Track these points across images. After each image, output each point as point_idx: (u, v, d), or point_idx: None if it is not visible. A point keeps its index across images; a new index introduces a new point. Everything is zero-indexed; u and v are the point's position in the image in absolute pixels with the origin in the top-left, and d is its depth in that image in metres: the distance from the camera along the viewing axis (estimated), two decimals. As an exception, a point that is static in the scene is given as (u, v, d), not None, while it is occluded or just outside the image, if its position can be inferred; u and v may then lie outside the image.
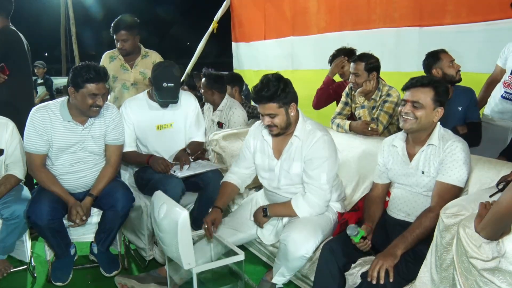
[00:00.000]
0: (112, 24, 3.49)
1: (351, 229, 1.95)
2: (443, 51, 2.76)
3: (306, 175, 2.24)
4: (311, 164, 2.21)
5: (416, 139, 2.06)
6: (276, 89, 2.16)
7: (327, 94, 3.62)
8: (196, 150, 3.11)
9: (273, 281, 2.34)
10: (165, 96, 2.83)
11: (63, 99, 2.59)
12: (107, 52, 3.64)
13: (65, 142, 2.54)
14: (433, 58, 2.77)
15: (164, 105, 2.90)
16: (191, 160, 2.93)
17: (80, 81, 2.42)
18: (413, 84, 2.02)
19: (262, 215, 2.35)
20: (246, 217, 2.50)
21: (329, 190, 2.24)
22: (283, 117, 2.22)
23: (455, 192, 1.92)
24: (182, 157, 2.85)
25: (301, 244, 2.10)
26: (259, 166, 2.45)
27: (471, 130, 2.73)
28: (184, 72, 6.67)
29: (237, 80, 4.22)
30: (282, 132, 2.28)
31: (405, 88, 2.06)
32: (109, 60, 3.57)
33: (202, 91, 3.79)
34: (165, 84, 2.78)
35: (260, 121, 2.40)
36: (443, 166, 1.94)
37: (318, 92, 3.66)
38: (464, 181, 1.93)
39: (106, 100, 2.59)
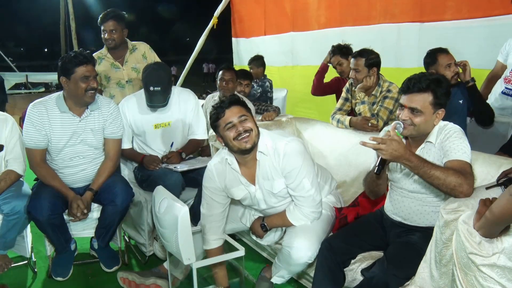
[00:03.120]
0: (100, 16, 3.40)
1: (398, 125, 1.87)
2: (442, 52, 2.73)
3: (290, 188, 2.16)
4: (290, 177, 2.12)
5: (414, 138, 1.98)
6: (238, 98, 2.13)
7: (322, 80, 3.80)
8: (194, 149, 3.11)
9: (272, 280, 2.34)
10: (152, 100, 2.82)
11: (58, 93, 2.61)
12: (94, 54, 3.49)
13: (63, 134, 2.55)
14: (431, 58, 2.75)
15: (153, 108, 2.89)
16: (186, 158, 2.95)
17: (70, 67, 2.44)
18: (410, 89, 1.89)
19: (262, 230, 2.31)
20: (238, 214, 2.49)
21: (316, 192, 2.16)
22: (252, 122, 2.10)
23: (468, 167, 1.76)
24: (172, 159, 2.89)
25: (305, 251, 2.08)
26: (242, 200, 2.30)
27: (478, 113, 2.76)
28: (182, 71, 6.67)
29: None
30: (254, 145, 2.09)
31: (402, 91, 1.95)
32: (97, 62, 3.42)
33: (225, 83, 3.53)
34: (151, 88, 2.77)
35: (212, 161, 2.27)
36: (444, 151, 1.84)
37: (314, 78, 3.84)
38: (469, 155, 1.80)
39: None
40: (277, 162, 2.12)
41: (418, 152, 1.95)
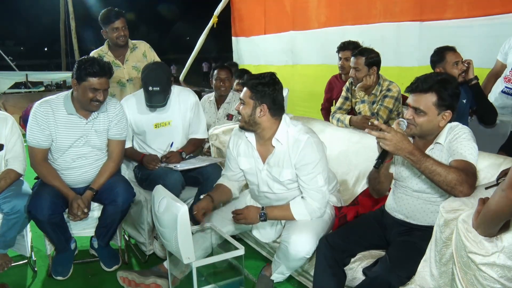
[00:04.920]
0: (105, 16, 3.37)
1: (402, 122, 1.89)
2: (450, 50, 2.73)
3: (302, 181, 2.20)
4: (305, 169, 2.17)
5: (423, 139, 1.98)
6: (259, 81, 2.17)
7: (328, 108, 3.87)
8: (195, 149, 3.11)
9: (272, 278, 2.35)
10: (151, 100, 2.81)
11: (66, 93, 2.60)
12: (94, 51, 3.53)
13: (69, 136, 2.54)
14: (438, 56, 2.75)
15: (152, 108, 2.89)
16: (187, 157, 2.95)
17: (83, 74, 2.42)
18: (413, 89, 1.90)
19: (259, 220, 2.28)
20: None
21: (327, 192, 2.21)
22: (248, 109, 2.18)
23: (471, 167, 1.75)
24: (171, 159, 2.88)
25: (303, 245, 2.09)
26: (245, 171, 2.41)
27: (481, 112, 2.77)
28: (182, 70, 6.68)
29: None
30: (246, 128, 2.25)
31: (408, 91, 1.96)
32: None
33: (222, 82, 3.57)
34: (150, 88, 2.76)
35: (236, 127, 2.42)
36: (452, 151, 1.83)
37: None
38: (476, 157, 1.81)
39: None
40: (294, 152, 2.18)
41: (427, 153, 1.93)
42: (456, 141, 1.84)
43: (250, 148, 2.34)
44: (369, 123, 2.79)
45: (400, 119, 1.92)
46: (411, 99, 1.92)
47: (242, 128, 2.27)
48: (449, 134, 1.89)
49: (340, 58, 3.54)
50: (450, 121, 1.92)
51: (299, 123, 2.31)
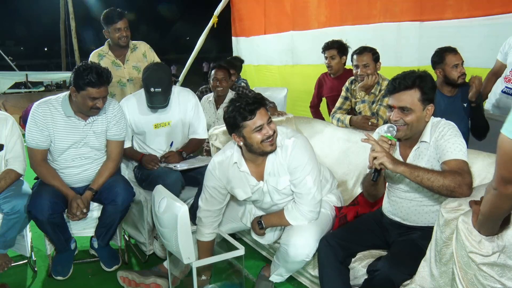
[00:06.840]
0: (107, 16, 3.36)
1: (391, 129, 1.88)
2: (450, 51, 2.72)
3: (293, 185, 2.16)
4: (295, 173, 2.12)
5: (408, 139, 1.96)
6: (263, 97, 2.15)
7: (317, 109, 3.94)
8: (195, 149, 3.11)
9: (271, 279, 2.34)
10: (153, 101, 2.81)
11: (64, 95, 2.59)
12: (95, 51, 3.53)
13: (68, 138, 2.54)
14: (438, 57, 2.74)
15: (154, 109, 2.89)
16: (187, 157, 2.94)
17: (82, 84, 2.40)
18: (396, 88, 1.88)
19: (258, 228, 2.29)
20: (238, 214, 2.48)
21: (318, 192, 2.15)
22: (275, 127, 2.10)
23: (465, 165, 1.76)
24: (170, 159, 2.88)
25: (302, 249, 2.08)
26: (247, 200, 2.31)
27: (475, 128, 2.74)
28: (182, 70, 6.67)
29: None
30: (274, 149, 2.11)
31: (389, 92, 1.92)
32: (98, 59, 3.43)
33: (219, 83, 3.53)
34: (152, 89, 2.76)
35: (216, 159, 2.24)
36: (440, 150, 1.83)
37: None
38: (465, 152, 1.80)
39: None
40: (284, 158, 2.13)
41: (413, 152, 1.96)
42: (443, 139, 1.84)
43: (243, 177, 2.20)
44: (369, 123, 2.80)
45: (389, 125, 1.90)
46: (394, 100, 1.90)
47: (273, 150, 2.10)
48: (433, 132, 1.89)
49: (326, 58, 3.58)
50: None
51: (281, 127, 2.23)
